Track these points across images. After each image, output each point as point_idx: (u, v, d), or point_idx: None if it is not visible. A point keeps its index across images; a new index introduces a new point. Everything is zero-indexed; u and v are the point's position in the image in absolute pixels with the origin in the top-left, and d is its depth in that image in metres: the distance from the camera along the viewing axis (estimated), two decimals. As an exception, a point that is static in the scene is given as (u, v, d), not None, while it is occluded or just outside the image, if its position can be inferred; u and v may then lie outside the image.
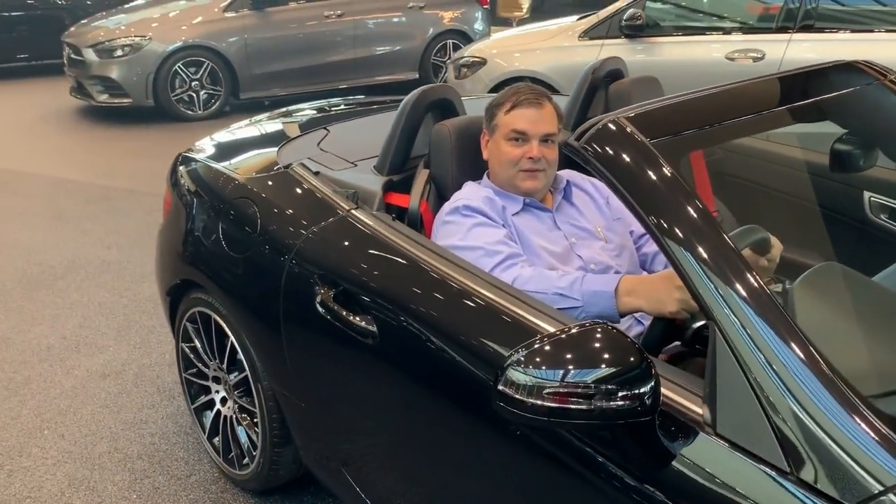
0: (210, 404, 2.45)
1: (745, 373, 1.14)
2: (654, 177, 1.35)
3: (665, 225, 1.29)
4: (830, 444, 1.07)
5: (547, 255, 1.85)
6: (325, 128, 2.53)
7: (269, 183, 2.15)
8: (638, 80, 2.47)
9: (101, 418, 2.77)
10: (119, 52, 6.95)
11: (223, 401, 2.40)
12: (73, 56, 7.27)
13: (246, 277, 2.11)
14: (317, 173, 2.10)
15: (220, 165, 2.38)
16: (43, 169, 5.89)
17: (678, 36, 5.02)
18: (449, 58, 7.57)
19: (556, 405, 1.14)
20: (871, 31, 4.56)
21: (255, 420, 2.21)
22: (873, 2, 4.71)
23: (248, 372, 2.16)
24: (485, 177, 2.00)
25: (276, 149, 2.36)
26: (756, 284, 1.19)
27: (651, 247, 1.99)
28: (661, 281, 1.50)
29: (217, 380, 2.41)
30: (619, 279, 1.58)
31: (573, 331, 1.19)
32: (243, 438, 2.33)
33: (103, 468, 2.51)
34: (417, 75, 8.07)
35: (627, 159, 1.39)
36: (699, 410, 1.20)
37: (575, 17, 5.48)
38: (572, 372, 1.15)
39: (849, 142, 1.81)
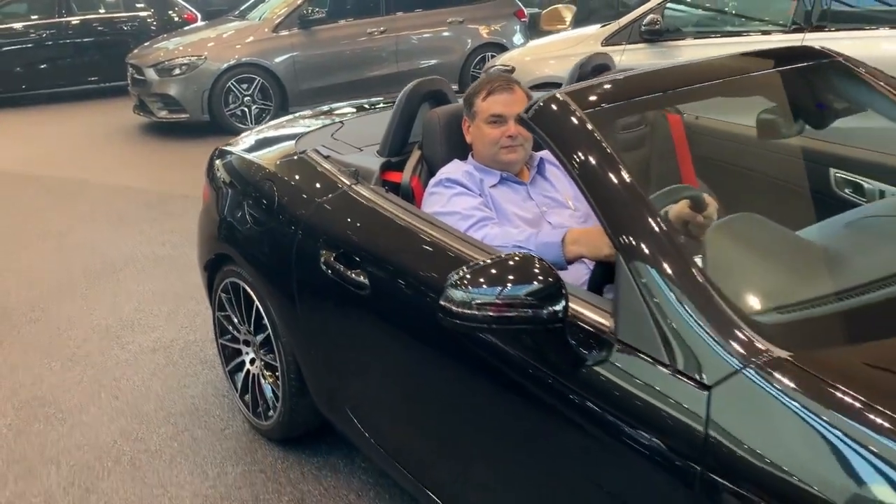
0: (241, 365, 2.78)
1: (642, 292, 1.40)
2: (584, 142, 1.62)
3: (588, 180, 1.56)
4: (700, 338, 1.31)
5: (520, 221, 2.13)
6: (340, 121, 2.86)
7: (287, 166, 2.48)
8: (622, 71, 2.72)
9: (150, 384, 3.14)
10: (177, 71, 7.48)
11: (252, 361, 2.73)
12: (135, 76, 7.84)
13: (267, 247, 2.44)
14: (327, 157, 2.42)
15: (250, 155, 2.73)
16: (108, 178, 6.41)
17: (696, 39, 5.22)
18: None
19: (487, 314, 1.42)
20: (886, 27, 4.69)
21: (278, 374, 2.53)
22: (881, 3, 4.85)
23: (270, 331, 2.48)
24: (469, 156, 2.28)
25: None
26: (654, 225, 1.45)
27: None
28: (597, 231, 1.76)
29: (247, 343, 2.74)
30: (566, 231, 1.84)
31: (500, 259, 1.47)
32: (269, 393, 2.65)
33: (150, 422, 2.87)
34: (457, 87, 8.40)
35: (563, 126, 1.66)
36: (608, 323, 1.46)
37: (598, 25, 5.74)
38: (499, 289, 1.42)
39: (774, 112, 2.04)
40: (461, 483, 1.90)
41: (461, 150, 2.31)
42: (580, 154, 1.60)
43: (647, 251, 1.43)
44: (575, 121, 1.66)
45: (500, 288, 1.42)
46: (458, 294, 1.44)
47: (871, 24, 4.71)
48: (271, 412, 2.63)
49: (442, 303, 1.46)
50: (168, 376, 3.19)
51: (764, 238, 1.71)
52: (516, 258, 1.45)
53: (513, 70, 5.84)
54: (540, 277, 1.41)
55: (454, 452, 1.90)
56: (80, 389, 3.13)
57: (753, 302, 1.46)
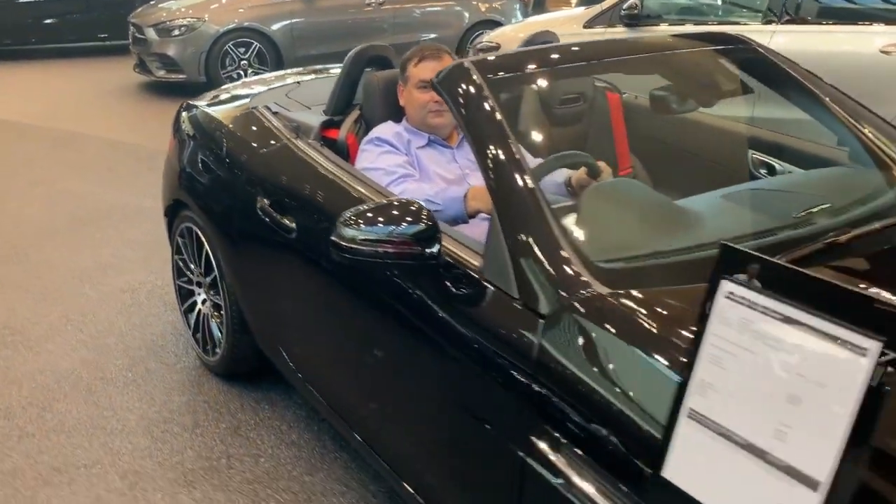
0: (194, 306, 2.99)
1: (505, 238, 1.59)
2: (476, 105, 1.80)
3: (475, 137, 1.75)
4: (543, 276, 1.50)
5: (441, 181, 2.31)
6: (297, 82, 3.04)
7: (237, 120, 2.67)
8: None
9: (114, 320, 3.35)
10: (176, 32, 7.65)
11: (203, 302, 2.94)
12: (136, 35, 8.01)
13: (215, 194, 2.63)
14: (276, 113, 2.61)
15: (210, 109, 2.92)
16: (104, 132, 6.61)
17: (674, 25, 5.36)
18: (480, 45, 8.01)
19: (377, 249, 1.62)
20: (856, 23, 4.81)
21: (223, 314, 2.73)
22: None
23: (216, 273, 2.68)
24: (403, 119, 2.47)
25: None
26: (520, 180, 1.63)
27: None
28: (493, 188, 1.95)
29: (199, 284, 2.94)
30: (468, 189, 2.03)
31: (404, 202, 1.66)
32: (215, 332, 2.86)
33: (109, 354, 3.08)
34: (453, 62, 8.52)
35: (464, 90, 1.84)
36: (478, 263, 1.65)
37: (582, 8, 5.87)
38: (392, 227, 1.62)
39: (666, 90, 2.22)
40: (366, 409, 2.11)
41: (397, 112, 2.49)
42: (472, 115, 1.79)
43: (512, 201, 1.61)
44: (473, 88, 1.83)
45: (393, 227, 1.62)
46: (348, 232, 1.64)
47: (850, 21, 4.82)
48: (217, 349, 2.84)
49: (332, 238, 1.65)
50: (132, 315, 3.41)
51: (635, 200, 1.90)
52: (414, 204, 1.64)
53: (498, 47, 5.99)
54: (424, 221, 1.60)
55: (361, 381, 2.10)
56: (48, 322, 3.35)
57: (600, 250, 1.62)
